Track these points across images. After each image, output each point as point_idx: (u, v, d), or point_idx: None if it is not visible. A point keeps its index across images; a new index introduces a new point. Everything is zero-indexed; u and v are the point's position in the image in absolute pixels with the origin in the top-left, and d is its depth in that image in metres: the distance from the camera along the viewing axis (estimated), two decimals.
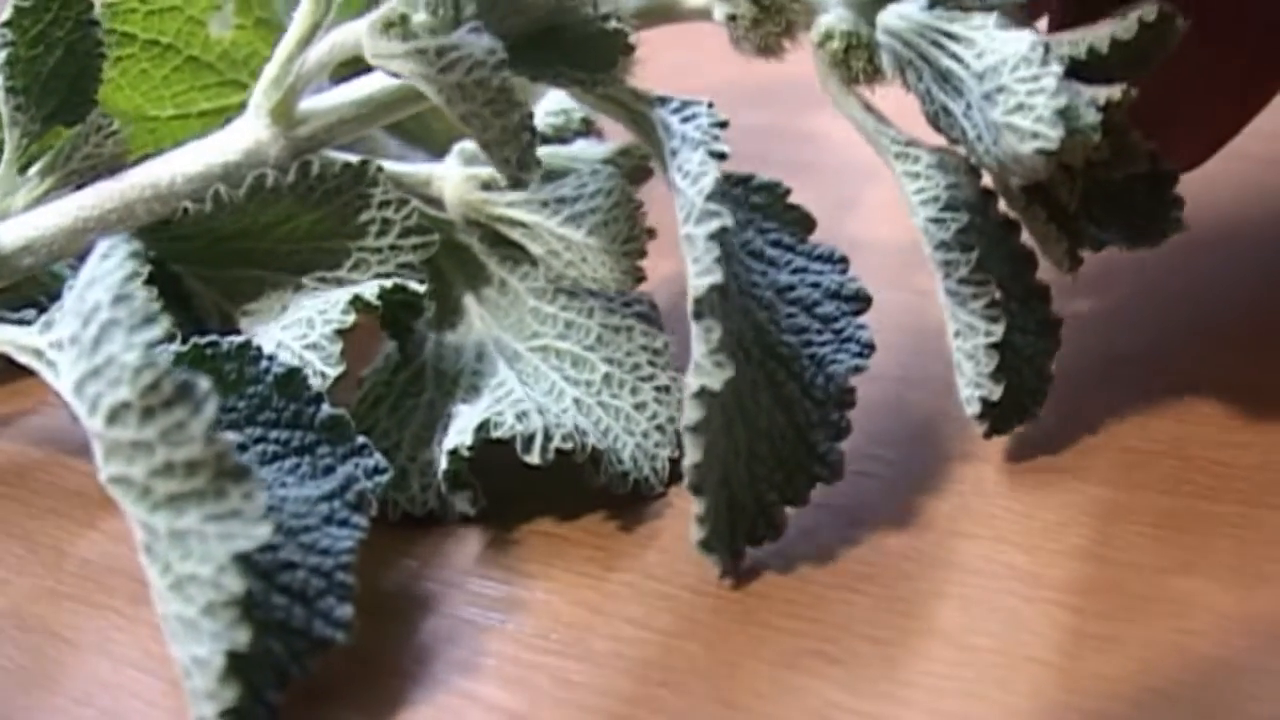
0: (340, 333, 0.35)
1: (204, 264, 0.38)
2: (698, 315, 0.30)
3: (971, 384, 0.34)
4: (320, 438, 0.32)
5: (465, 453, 0.34)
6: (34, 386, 0.42)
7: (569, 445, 0.34)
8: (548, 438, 0.34)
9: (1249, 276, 0.41)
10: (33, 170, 0.38)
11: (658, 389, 0.36)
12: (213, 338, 0.33)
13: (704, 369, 0.30)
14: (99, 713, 0.31)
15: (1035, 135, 0.30)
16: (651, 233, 0.37)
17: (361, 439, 0.33)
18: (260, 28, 0.43)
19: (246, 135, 0.37)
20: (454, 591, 0.34)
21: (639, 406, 0.36)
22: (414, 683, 0.31)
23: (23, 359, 0.32)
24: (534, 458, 0.34)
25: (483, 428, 0.34)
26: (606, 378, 0.36)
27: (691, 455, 0.30)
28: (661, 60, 0.37)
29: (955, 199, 0.33)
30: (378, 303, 0.36)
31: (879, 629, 0.31)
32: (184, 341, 0.32)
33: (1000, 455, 0.35)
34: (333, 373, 0.34)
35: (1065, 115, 0.31)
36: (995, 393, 0.33)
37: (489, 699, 0.30)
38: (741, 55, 0.37)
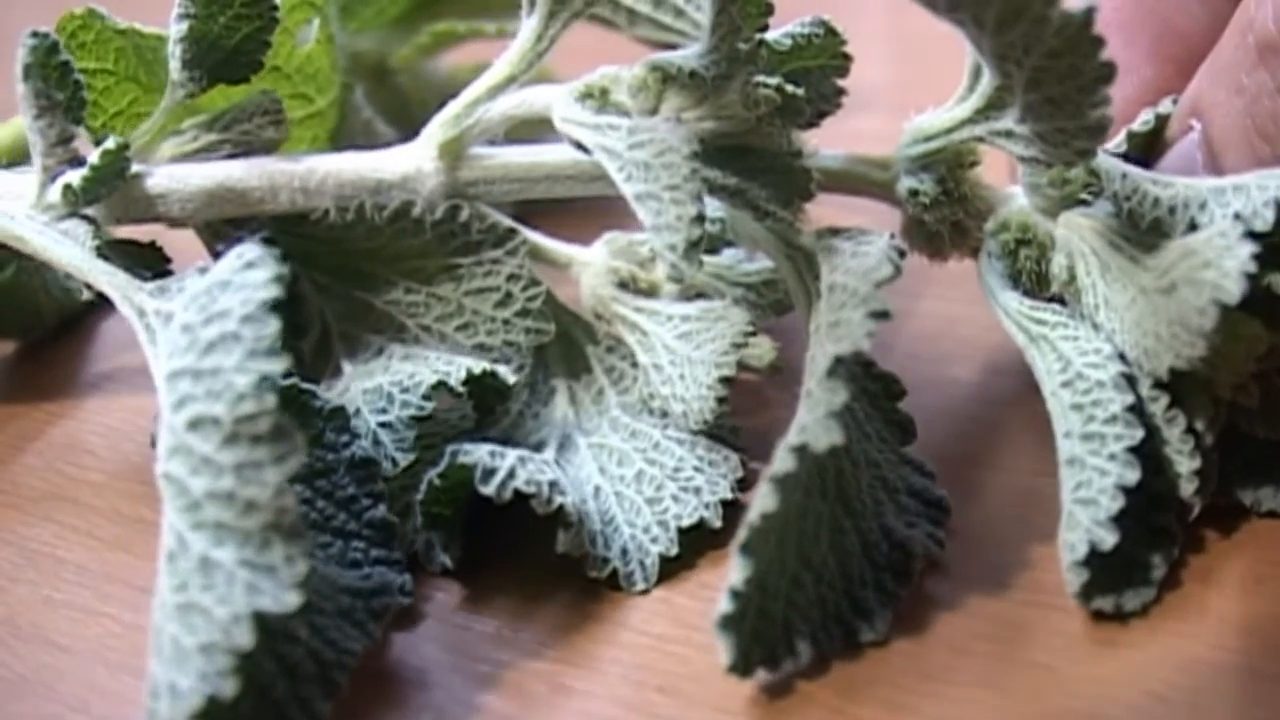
0: (417, 419, 0.34)
1: (324, 272, 0.37)
2: (830, 373, 0.29)
3: (1083, 530, 0.30)
4: (363, 532, 0.32)
5: (437, 481, 0.32)
6: (30, 396, 0.42)
7: (531, 490, 0.32)
8: (510, 475, 0.32)
9: None
10: (188, 123, 0.37)
11: (684, 489, 0.34)
12: (314, 388, 0.32)
13: (810, 430, 0.28)
14: None
15: (1217, 287, 0.29)
16: (777, 368, 0.37)
17: (398, 554, 0.32)
18: (329, 45, 0.42)
19: (408, 161, 0.36)
20: (453, 598, 0.33)
21: (652, 501, 0.34)
22: (412, 688, 0.30)
23: (124, 309, 0.31)
24: (489, 490, 0.32)
25: (455, 454, 0.32)
26: (639, 474, 0.35)
27: (765, 505, 0.28)
28: None
29: (1112, 354, 0.32)
30: (461, 389, 0.35)
31: None
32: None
33: (998, 459, 0.35)
34: (404, 460, 0.34)
35: (1234, 322, 0.30)
36: (1108, 540, 0.30)
37: (487, 705, 0.30)
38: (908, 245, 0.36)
